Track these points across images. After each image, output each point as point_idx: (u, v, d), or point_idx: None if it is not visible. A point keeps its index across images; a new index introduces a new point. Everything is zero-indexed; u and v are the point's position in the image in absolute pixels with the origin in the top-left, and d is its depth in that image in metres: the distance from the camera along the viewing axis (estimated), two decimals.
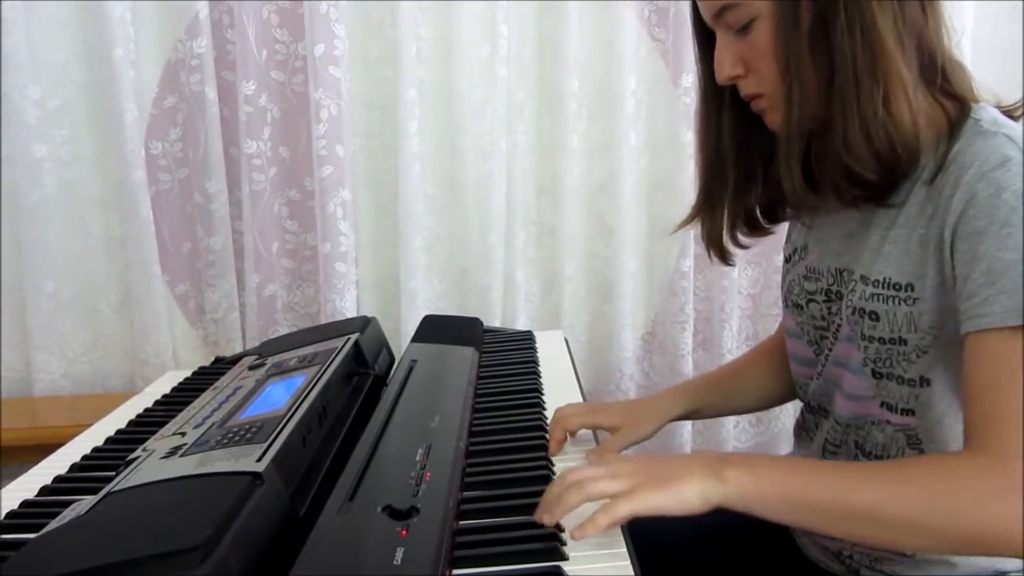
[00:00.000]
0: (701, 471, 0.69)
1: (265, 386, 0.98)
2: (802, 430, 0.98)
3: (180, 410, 1.00)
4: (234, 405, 0.92)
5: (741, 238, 0.94)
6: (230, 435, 0.79)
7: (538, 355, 1.31)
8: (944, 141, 0.77)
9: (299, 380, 0.96)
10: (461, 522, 0.75)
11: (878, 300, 0.80)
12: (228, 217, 1.65)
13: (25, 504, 0.86)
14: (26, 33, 1.53)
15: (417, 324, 1.41)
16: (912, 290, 0.78)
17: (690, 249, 1.80)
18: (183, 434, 0.85)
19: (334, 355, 1.05)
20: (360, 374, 1.11)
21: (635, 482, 0.69)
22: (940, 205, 0.75)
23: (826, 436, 0.91)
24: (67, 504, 0.75)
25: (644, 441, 1.00)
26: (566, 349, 1.40)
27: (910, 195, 0.79)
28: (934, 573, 0.83)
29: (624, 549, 0.71)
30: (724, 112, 0.89)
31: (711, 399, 1.06)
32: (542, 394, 1.11)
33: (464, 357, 1.20)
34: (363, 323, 1.22)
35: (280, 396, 0.92)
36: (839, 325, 0.86)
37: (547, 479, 0.84)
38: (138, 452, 0.83)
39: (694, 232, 1.75)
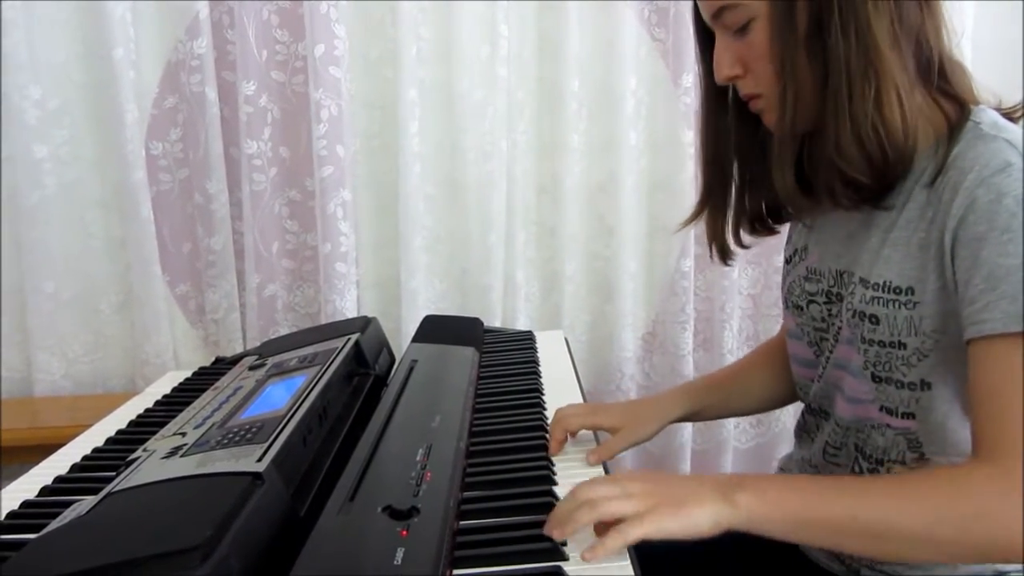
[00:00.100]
0: (712, 496, 0.69)
1: (265, 386, 0.98)
2: (803, 431, 0.98)
3: (180, 410, 1.00)
4: (234, 405, 0.92)
5: (743, 237, 0.94)
6: (230, 435, 0.79)
7: (538, 355, 1.31)
8: (943, 144, 0.77)
9: (299, 380, 0.96)
10: (461, 522, 0.75)
11: (878, 303, 0.80)
12: (228, 217, 1.65)
13: (26, 504, 0.86)
14: (26, 33, 1.53)
15: (417, 324, 1.41)
16: (912, 294, 0.78)
17: (691, 249, 1.80)
18: (183, 434, 0.85)
19: (334, 355, 1.05)
20: (361, 374, 1.11)
21: (648, 504, 0.69)
22: (940, 209, 0.75)
23: (827, 438, 0.91)
24: (67, 504, 0.75)
25: (645, 442, 1.00)
26: (566, 349, 1.40)
27: (910, 198, 0.79)
28: (935, 572, 0.83)
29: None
30: (725, 112, 0.89)
31: (712, 400, 1.06)
32: (542, 394, 1.11)
33: (464, 357, 1.20)
34: (363, 323, 1.22)
35: (280, 396, 0.92)
36: (839, 327, 0.86)
37: (547, 479, 0.84)
38: (138, 452, 0.83)
39: (694, 232, 1.77)
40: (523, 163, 1.75)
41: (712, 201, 0.93)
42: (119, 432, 1.08)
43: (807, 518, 0.69)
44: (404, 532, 0.67)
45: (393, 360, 1.27)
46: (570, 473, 0.88)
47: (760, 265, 1.88)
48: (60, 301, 1.63)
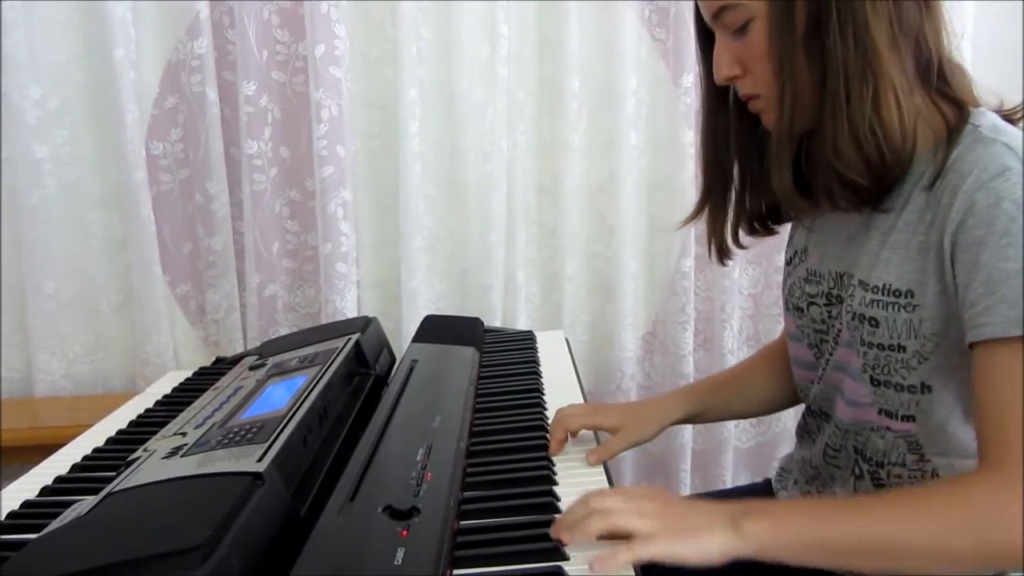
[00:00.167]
0: (722, 525, 0.68)
1: (266, 386, 0.98)
2: (804, 432, 0.98)
3: (181, 410, 1.00)
4: (235, 405, 0.92)
5: (743, 237, 0.94)
6: (231, 435, 0.79)
7: (539, 355, 1.31)
8: (943, 146, 0.77)
9: (300, 380, 0.96)
10: (462, 522, 0.75)
11: (878, 306, 0.80)
12: (229, 217, 1.65)
13: (26, 504, 0.86)
14: (26, 33, 1.53)
15: (418, 324, 1.41)
16: (912, 297, 0.77)
17: (691, 249, 1.80)
18: (184, 434, 0.85)
19: (335, 355, 1.05)
20: (361, 374, 1.11)
21: (660, 526, 0.68)
22: (939, 213, 0.75)
23: (827, 440, 0.91)
24: (68, 504, 0.75)
25: (645, 443, 1.00)
26: (567, 349, 1.40)
27: (909, 200, 0.78)
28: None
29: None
30: (726, 112, 0.89)
31: (713, 402, 1.06)
32: (543, 394, 1.11)
33: (465, 357, 1.20)
34: (364, 323, 1.22)
35: (281, 396, 0.92)
36: (839, 330, 0.86)
37: (548, 479, 0.84)
38: (139, 452, 0.83)
39: (695, 232, 1.77)
40: (523, 163, 1.75)
41: (712, 201, 0.93)
42: (119, 432, 1.08)
43: (815, 543, 0.69)
44: (404, 532, 0.67)
45: (393, 360, 1.27)
46: (570, 473, 0.88)
47: (760, 265, 1.88)
48: (60, 301, 1.63)
